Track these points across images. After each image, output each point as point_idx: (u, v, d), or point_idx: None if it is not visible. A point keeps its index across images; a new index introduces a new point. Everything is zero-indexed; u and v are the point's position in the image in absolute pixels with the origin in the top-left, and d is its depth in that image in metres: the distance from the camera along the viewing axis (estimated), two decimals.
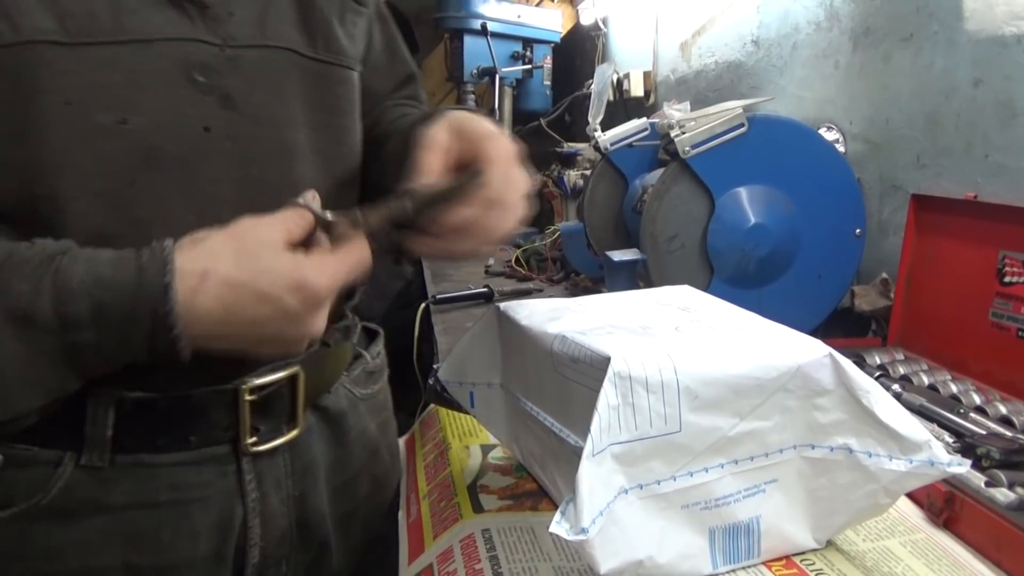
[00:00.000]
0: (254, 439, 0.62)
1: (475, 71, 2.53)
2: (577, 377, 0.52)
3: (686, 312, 0.63)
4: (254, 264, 0.49)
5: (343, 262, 0.53)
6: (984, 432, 0.71)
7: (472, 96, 2.61)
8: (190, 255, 0.49)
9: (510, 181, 0.59)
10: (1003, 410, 0.78)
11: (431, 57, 2.91)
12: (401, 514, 0.73)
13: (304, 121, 0.62)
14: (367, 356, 0.80)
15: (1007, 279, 0.87)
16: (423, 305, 1.44)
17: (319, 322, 0.52)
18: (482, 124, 0.60)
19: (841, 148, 1.25)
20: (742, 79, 1.70)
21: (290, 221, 0.52)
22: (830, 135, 1.28)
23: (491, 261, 1.85)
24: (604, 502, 0.47)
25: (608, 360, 0.48)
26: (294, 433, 0.65)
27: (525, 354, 0.60)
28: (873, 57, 1.20)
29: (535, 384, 0.59)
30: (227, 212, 0.52)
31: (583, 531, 0.44)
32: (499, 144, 0.59)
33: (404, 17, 2.20)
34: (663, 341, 0.53)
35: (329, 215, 0.55)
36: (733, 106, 1.10)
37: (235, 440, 0.62)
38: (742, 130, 1.08)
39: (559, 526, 0.44)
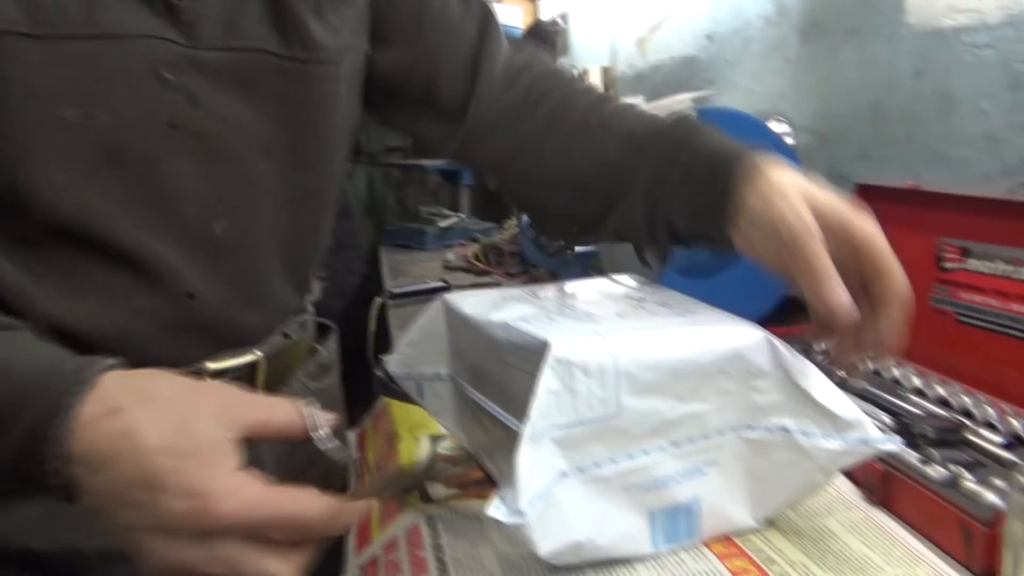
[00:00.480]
0: None
1: None
2: (519, 364, 0.52)
3: (630, 300, 0.63)
4: (174, 427, 0.42)
5: (272, 503, 0.43)
6: (921, 413, 0.73)
7: None
8: (120, 383, 0.44)
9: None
10: (941, 392, 0.80)
11: None
12: None
13: (275, 119, 0.61)
14: (322, 351, 0.80)
15: (946, 265, 0.89)
16: (379, 301, 1.43)
17: (186, 552, 0.41)
18: (852, 216, 0.54)
19: (790, 140, 1.27)
20: (696, 73, 1.72)
21: (276, 411, 0.47)
22: (780, 127, 1.30)
23: (450, 256, 1.84)
24: (543, 485, 0.47)
25: (547, 345, 0.48)
26: None
27: (471, 343, 0.60)
28: (821, 51, 1.22)
29: (481, 373, 0.59)
30: (190, 208, 0.52)
31: (520, 514, 0.44)
32: (893, 268, 0.54)
33: None
34: (605, 327, 0.53)
35: (327, 443, 0.48)
36: (682, 98, 1.11)
37: None
38: None
39: (497, 510, 0.44)
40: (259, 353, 0.64)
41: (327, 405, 0.77)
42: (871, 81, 1.10)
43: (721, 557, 0.55)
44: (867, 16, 1.11)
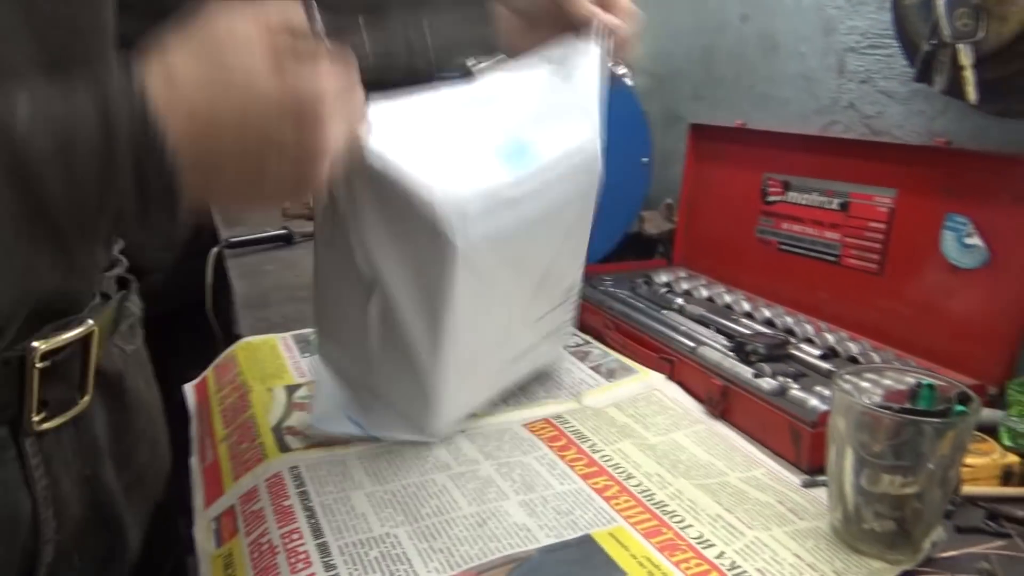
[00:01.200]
0: (42, 415, 0.51)
1: None
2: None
3: None
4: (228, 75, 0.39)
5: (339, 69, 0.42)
6: (751, 332, 0.80)
7: None
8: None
9: None
10: (767, 314, 0.88)
11: None
12: (194, 459, 0.68)
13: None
14: (133, 309, 0.70)
15: (769, 198, 0.97)
16: (215, 250, 1.34)
17: (328, 139, 0.40)
18: None
19: (629, 82, 1.31)
20: None
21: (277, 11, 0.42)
22: (619, 69, 1.33)
23: (287, 204, 1.75)
24: None
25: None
26: (85, 402, 0.55)
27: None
28: None
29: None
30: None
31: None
32: None
33: None
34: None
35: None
36: None
37: (15, 420, 0.51)
38: None
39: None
40: (91, 322, 0.55)
41: (141, 367, 0.69)
42: (702, 24, 1.15)
43: (584, 477, 0.58)
44: None
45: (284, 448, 0.63)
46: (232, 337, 1.36)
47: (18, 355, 0.49)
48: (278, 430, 0.66)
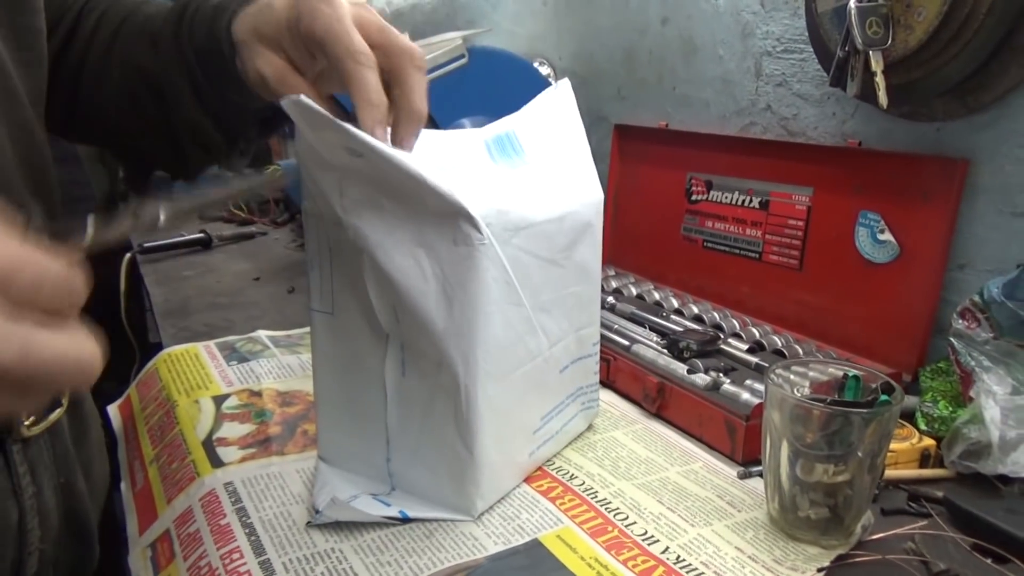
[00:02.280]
0: (31, 419, 0.50)
1: None
2: None
3: None
4: None
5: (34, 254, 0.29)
6: (682, 329, 0.82)
7: None
8: None
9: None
10: (695, 310, 0.90)
11: None
12: (124, 485, 0.65)
13: None
14: None
15: (694, 197, 0.99)
16: (127, 256, 1.28)
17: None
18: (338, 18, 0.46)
19: (553, 82, 1.32)
20: (457, 12, 1.71)
21: None
22: (543, 70, 1.34)
23: None
24: None
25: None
26: (65, 404, 0.54)
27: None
28: None
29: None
30: None
31: None
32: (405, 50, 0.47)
33: None
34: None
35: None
36: (452, 36, 1.10)
37: (6, 425, 0.49)
38: (463, 61, 1.09)
39: None
40: None
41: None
42: (624, 25, 1.17)
43: (528, 481, 0.58)
44: None
45: (216, 463, 0.60)
46: (147, 346, 1.30)
47: None
48: (208, 443, 0.64)
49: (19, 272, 0.27)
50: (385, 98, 0.46)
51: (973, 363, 0.61)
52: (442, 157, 0.51)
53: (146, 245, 1.32)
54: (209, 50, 0.53)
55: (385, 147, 0.46)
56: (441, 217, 0.48)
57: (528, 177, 0.56)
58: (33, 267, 0.28)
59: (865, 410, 0.49)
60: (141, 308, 1.40)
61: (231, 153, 0.61)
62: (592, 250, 0.62)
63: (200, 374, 0.78)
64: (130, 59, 0.57)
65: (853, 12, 0.68)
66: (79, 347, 0.29)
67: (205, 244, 1.39)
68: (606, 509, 0.54)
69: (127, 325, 1.25)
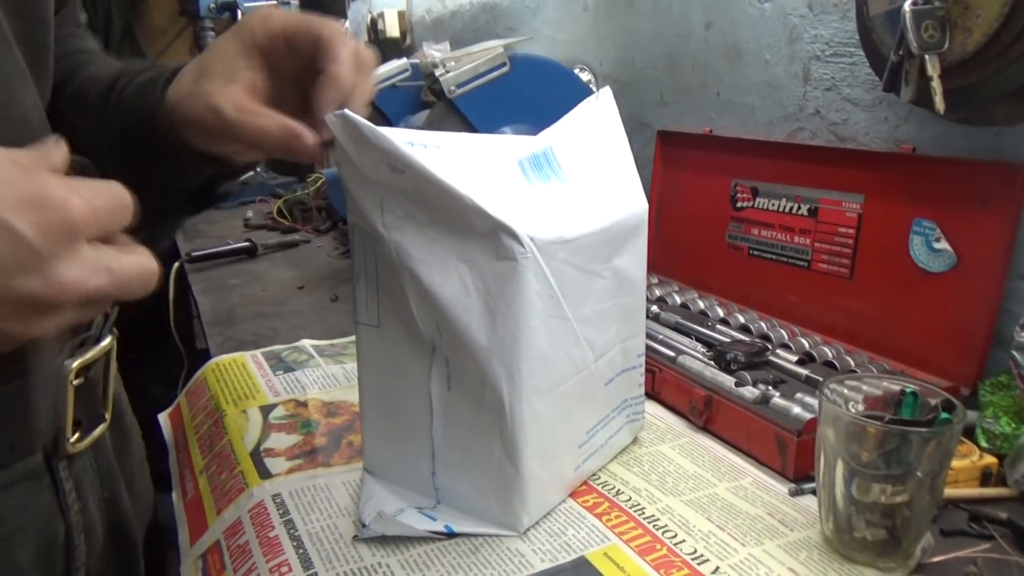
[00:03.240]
0: (76, 435, 0.50)
1: (213, 5, 2.29)
2: None
3: None
4: None
5: (104, 190, 0.35)
6: (729, 340, 0.80)
7: (212, 33, 2.37)
8: None
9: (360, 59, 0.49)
10: (742, 320, 0.88)
11: None
12: (175, 495, 0.66)
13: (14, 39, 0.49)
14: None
15: (739, 204, 0.98)
16: (176, 265, 1.31)
17: (69, 272, 0.33)
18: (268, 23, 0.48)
19: (594, 88, 1.31)
20: (497, 20, 1.71)
21: (45, 152, 0.36)
22: (584, 76, 1.33)
23: (250, 214, 1.72)
24: None
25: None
26: (108, 419, 0.54)
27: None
28: (618, 0, 1.27)
29: None
30: None
31: None
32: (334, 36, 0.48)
33: None
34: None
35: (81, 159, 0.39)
36: (494, 45, 1.10)
37: (52, 443, 0.49)
38: (504, 69, 1.09)
39: None
40: (111, 337, 0.52)
41: (121, 386, 0.66)
42: (666, 31, 1.16)
43: (574, 496, 0.57)
44: None
45: (265, 474, 0.61)
46: (194, 353, 1.33)
47: (57, 371, 0.48)
48: (256, 454, 0.64)
49: (92, 215, 0.33)
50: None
51: None
52: (477, 176, 0.50)
53: (194, 254, 1.35)
54: (138, 122, 0.51)
55: (426, 165, 0.46)
56: (483, 232, 0.48)
57: (568, 194, 0.56)
58: (96, 206, 0.34)
59: (925, 429, 0.47)
60: (189, 315, 1.43)
61: (158, 235, 0.62)
62: (637, 261, 0.62)
63: (248, 384, 0.79)
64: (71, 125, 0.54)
65: (908, 15, 0.66)
66: (142, 262, 0.36)
67: (251, 252, 1.41)
68: (654, 526, 0.54)
69: (175, 332, 1.27)
